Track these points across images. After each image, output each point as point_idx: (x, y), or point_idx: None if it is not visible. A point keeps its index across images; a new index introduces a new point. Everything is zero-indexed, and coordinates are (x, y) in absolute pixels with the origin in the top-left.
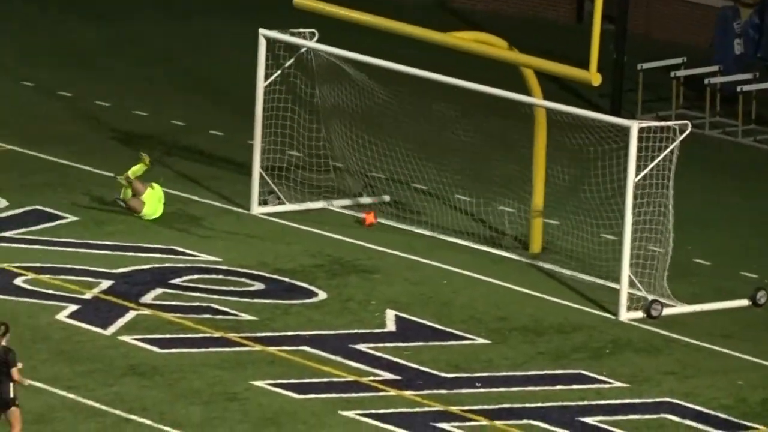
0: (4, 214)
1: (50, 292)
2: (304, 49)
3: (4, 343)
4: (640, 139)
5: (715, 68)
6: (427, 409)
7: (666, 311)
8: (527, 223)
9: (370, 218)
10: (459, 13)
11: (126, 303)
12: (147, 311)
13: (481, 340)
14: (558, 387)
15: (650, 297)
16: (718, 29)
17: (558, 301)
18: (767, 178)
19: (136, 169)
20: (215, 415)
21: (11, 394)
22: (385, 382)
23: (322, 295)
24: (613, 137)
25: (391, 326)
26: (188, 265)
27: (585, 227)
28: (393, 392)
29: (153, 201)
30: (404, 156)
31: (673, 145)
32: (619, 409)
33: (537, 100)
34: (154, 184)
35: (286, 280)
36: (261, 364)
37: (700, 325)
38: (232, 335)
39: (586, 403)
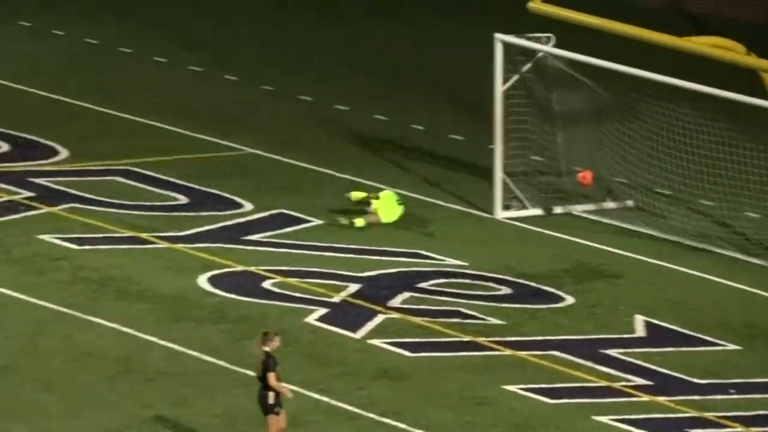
0: (249, 218)
1: (298, 295)
2: (541, 54)
3: (266, 349)
4: None
5: None
6: (681, 415)
7: None
8: None
9: (585, 177)
10: (692, 16)
11: (374, 306)
12: (395, 315)
13: (732, 346)
14: None
15: None
16: None
17: None
18: None
19: (358, 196)
20: (467, 419)
21: (270, 401)
22: (638, 387)
23: (569, 299)
24: None
25: (640, 331)
26: (434, 269)
27: None
28: (646, 398)
29: (386, 207)
30: (647, 161)
31: None
32: None
33: None
34: (380, 193)
35: (533, 284)
36: (511, 369)
37: None
38: (481, 339)
39: None
